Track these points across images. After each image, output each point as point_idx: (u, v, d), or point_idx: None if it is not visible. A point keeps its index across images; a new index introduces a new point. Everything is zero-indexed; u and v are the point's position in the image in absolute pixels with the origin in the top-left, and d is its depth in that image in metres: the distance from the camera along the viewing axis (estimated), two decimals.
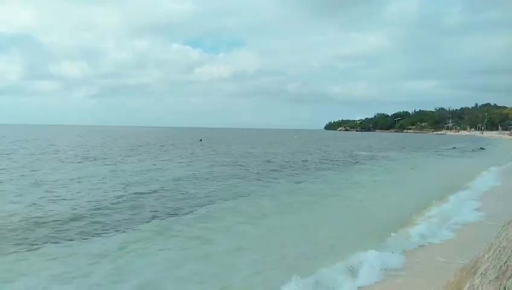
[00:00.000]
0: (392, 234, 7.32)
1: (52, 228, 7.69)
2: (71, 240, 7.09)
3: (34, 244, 6.72)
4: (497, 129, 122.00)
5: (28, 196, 10.77)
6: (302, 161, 25.19)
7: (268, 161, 24.15)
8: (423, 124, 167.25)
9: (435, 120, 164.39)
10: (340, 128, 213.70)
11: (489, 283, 2.73)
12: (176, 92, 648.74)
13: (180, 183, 13.98)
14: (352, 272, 5.53)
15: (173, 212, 9.44)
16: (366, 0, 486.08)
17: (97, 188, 12.57)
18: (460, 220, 8.59)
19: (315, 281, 5.08)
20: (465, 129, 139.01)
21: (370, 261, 5.68)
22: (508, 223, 4.09)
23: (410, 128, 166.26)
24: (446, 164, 25.46)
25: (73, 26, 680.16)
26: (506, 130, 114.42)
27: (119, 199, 10.64)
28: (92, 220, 8.44)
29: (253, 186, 13.90)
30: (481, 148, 42.68)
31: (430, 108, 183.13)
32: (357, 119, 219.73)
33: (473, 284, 3.14)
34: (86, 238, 7.20)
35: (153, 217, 8.89)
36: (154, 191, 12.09)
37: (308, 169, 20.22)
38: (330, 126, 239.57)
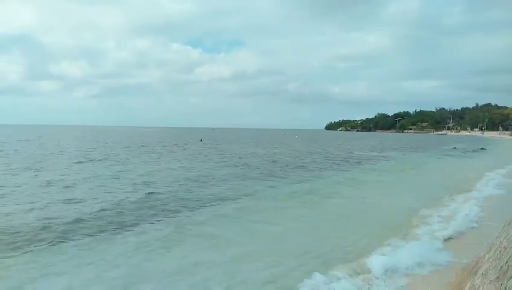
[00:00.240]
0: (403, 232, 7.32)
1: (66, 228, 7.69)
2: (82, 239, 7.11)
3: (50, 244, 6.75)
4: (497, 129, 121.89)
5: (40, 196, 10.75)
6: (304, 161, 25.16)
7: (271, 161, 24.12)
8: (424, 124, 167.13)
9: (435, 120, 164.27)
10: (340, 129, 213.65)
11: (490, 283, 2.73)
12: (176, 92, 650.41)
13: (188, 183, 14.02)
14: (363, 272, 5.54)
15: (185, 212, 9.49)
16: (366, 0, 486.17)
17: (107, 188, 12.61)
18: (462, 222, 8.57)
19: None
20: (465, 129, 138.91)
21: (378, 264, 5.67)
22: (509, 224, 4.09)
23: (411, 129, 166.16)
24: (447, 164, 25.42)
25: (74, 26, 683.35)
26: (506, 130, 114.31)
27: (131, 199, 10.67)
28: (106, 220, 8.45)
29: (259, 186, 13.90)
30: (482, 148, 42.63)
31: (431, 108, 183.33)
32: (357, 119, 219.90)
33: (473, 284, 3.14)
34: (101, 238, 7.21)
35: (166, 216, 8.97)
36: (165, 191, 12.15)
37: (310, 169, 20.20)
38: (331, 126, 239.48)
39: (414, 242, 6.97)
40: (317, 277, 5.24)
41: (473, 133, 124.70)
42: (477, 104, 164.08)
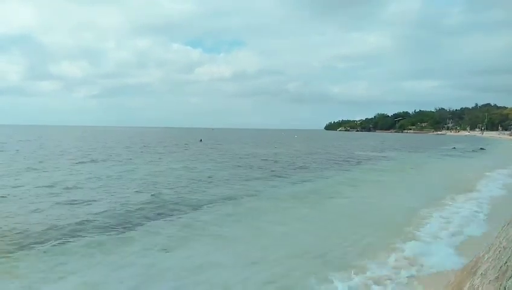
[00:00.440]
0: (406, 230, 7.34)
1: (72, 229, 7.74)
2: (89, 240, 7.15)
3: (57, 245, 6.80)
4: (497, 129, 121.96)
5: (45, 197, 10.76)
6: (305, 161, 25.21)
7: (273, 161, 24.19)
8: (423, 124, 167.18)
9: (435, 120, 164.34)
10: (340, 129, 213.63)
11: (489, 283, 2.76)
12: (176, 92, 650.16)
13: (191, 183, 14.10)
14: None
15: (189, 212, 9.56)
16: (366, 0, 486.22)
17: (112, 188, 12.64)
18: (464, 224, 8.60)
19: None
20: (465, 129, 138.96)
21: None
22: (508, 224, 4.11)
23: (411, 129, 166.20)
24: (447, 164, 25.46)
25: (74, 26, 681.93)
26: (506, 130, 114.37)
27: (136, 200, 10.72)
28: (111, 220, 8.50)
29: (261, 186, 13.95)
30: (481, 148, 42.69)
31: (430, 108, 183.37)
32: (357, 120, 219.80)
33: (473, 285, 3.16)
34: (108, 239, 7.24)
35: (170, 216, 9.05)
36: (169, 191, 12.26)
37: (311, 169, 20.26)
38: (330, 126, 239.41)
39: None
40: (317, 278, 5.27)
41: (472, 133, 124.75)
42: (476, 104, 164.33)
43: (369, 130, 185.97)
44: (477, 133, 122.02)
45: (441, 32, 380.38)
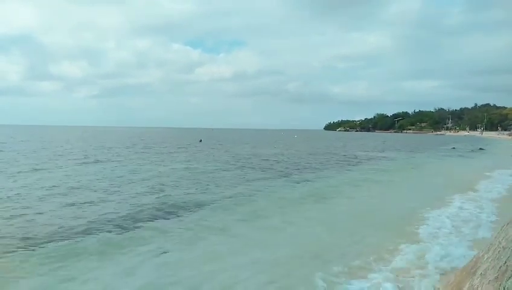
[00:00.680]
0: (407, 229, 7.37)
1: (80, 230, 7.77)
2: (99, 241, 7.17)
3: (67, 245, 6.82)
4: (496, 129, 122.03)
5: (52, 198, 10.73)
6: (306, 161, 25.23)
7: (274, 162, 24.22)
8: (423, 125, 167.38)
9: (434, 120, 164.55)
10: (339, 129, 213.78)
11: (488, 283, 2.78)
12: (176, 92, 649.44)
13: (195, 184, 14.18)
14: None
15: (197, 212, 9.65)
16: (366, 0, 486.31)
17: (118, 189, 12.66)
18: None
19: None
20: (464, 129, 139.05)
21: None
22: (507, 224, 4.14)
23: (410, 129, 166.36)
24: (447, 165, 25.48)
25: (74, 26, 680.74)
26: (505, 130, 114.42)
27: (144, 200, 10.76)
28: (120, 221, 8.53)
29: (263, 186, 14.00)
30: (480, 148, 42.73)
31: (430, 108, 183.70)
32: (356, 120, 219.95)
33: (472, 285, 3.19)
34: (118, 239, 7.28)
35: (180, 216, 9.14)
36: (174, 191, 12.37)
37: (312, 169, 20.28)
38: (330, 126, 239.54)
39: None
40: (319, 278, 5.29)
41: (471, 133, 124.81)
42: (476, 104, 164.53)
43: (368, 130, 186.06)
44: (476, 133, 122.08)
45: (441, 32, 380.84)
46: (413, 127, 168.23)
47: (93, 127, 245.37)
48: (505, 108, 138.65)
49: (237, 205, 10.54)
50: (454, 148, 44.51)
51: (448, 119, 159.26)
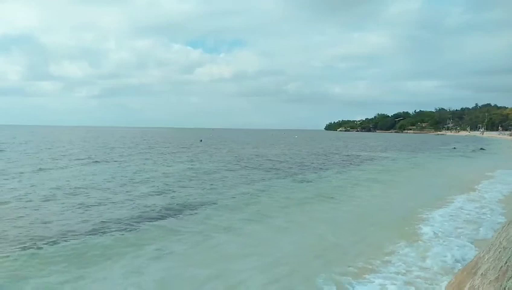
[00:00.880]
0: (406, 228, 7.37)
1: (89, 229, 7.84)
2: (107, 240, 7.23)
3: (68, 249, 6.79)
4: (497, 129, 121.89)
5: (62, 198, 10.77)
6: (306, 161, 25.25)
7: (273, 161, 24.25)
8: (423, 125, 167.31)
9: (435, 120, 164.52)
10: (340, 129, 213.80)
11: (489, 283, 2.78)
12: (176, 92, 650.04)
13: (199, 184, 14.31)
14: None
15: (197, 213, 9.70)
16: (367, 0, 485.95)
17: (128, 189, 12.68)
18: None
19: None
20: (465, 130, 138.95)
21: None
22: (508, 224, 4.14)
23: (411, 129, 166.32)
24: (449, 164, 25.47)
25: (74, 26, 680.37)
26: (506, 130, 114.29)
27: (152, 201, 10.81)
28: (128, 220, 8.60)
29: (264, 186, 14.02)
30: (481, 148, 42.71)
31: (431, 108, 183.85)
32: (357, 120, 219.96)
33: (473, 285, 3.18)
34: (127, 239, 7.34)
35: (172, 217, 9.16)
36: (179, 191, 12.54)
37: (313, 169, 20.32)
38: (330, 127, 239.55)
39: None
40: (320, 278, 5.30)
41: (472, 133, 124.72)
42: (476, 105, 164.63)
43: (369, 131, 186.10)
44: (477, 133, 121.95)
45: (442, 32, 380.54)
46: (413, 127, 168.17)
47: (93, 128, 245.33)
48: (505, 108, 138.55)
49: (242, 205, 10.60)
50: (455, 148, 44.50)
51: (449, 120, 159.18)
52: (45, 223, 8.19)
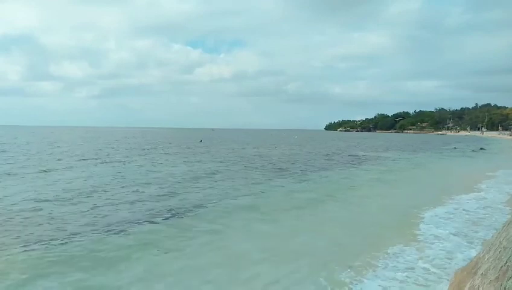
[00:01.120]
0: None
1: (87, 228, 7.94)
2: (115, 238, 7.37)
3: (42, 249, 6.84)
4: (497, 129, 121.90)
5: (68, 201, 10.76)
6: (307, 161, 25.28)
7: (274, 161, 24.29)
8: (423, 125, 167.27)
9: (435, 120, 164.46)
10: (340, 129, 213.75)
11: (489, 283, 2.77)
12: (176, 92, 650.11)
13: (198, 184, 14.38)
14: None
15: (219, 210, 9.88)
16: (367, 0, 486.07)
17: (136, 189, 12.79)
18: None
19: None
20: (465, 129, 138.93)
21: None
22: (508, 224, 4.14)
23: (411, 129, 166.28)
24: (449, 164, 25.52)
25: (74, 26, 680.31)
26: (506, 130, 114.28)
27: (165, 199, 11.06)
28: (143, 220, 8.69)
29: (265, 186, 14.14)
30: (481, 148, 42.73)
31: (431, 108, 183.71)
32: (357, 120, 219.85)
33: (473, 285, 3.18)
34: (129, 238, 7.41)
35: (204, 215, 9.43)
36: (195, 191, 12.71)
37: (314, 169, 20.35)
38: (330, 127, 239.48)
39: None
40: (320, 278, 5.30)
41: (472, 133, 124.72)
42: (476, 104, 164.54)
43: (369, 131, 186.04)
44: (477, 133, 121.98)
45: (442, 32, 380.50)
46: (414, 127, 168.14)
47: (93, 128, 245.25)
48: (505, 108, 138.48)
49: (251, 204, 10.73)
50: (455, 148, 44.54)
51: (449, 120, 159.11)
52: (56, 223, 8.24)
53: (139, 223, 8.38)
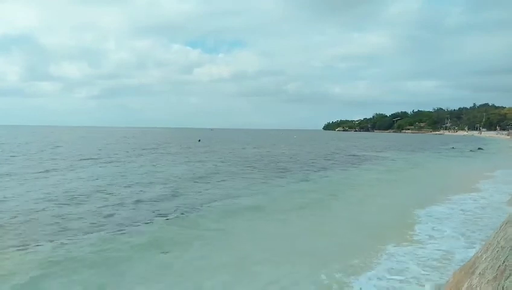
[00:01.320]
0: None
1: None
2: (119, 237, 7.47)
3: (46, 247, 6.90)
4: (495, 129, 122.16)
5: (68, 201, 10.79)
6: (306, 161, 25.37)
7: (274, 161, 24.38)
8: (421, 125, 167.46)
9: (433, 120, 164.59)
10: (338, 129, 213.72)
11: (487, 282, 2.84)
12: (176, 92, 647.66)
13: (199, 184, 14.47)
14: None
15: (194, 214, 9.82)
16: (367, 0, 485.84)
17: (144, 190, 12.85)
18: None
19: None
20: (463, 129, 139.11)
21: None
22: (506, 223, 4.21)
23: (409, 129, 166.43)
24: (447, 164, 25.63)
25: (74, 27, 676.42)
26: (504, 130, 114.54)
27: (170, 200, 11.15)
28: (149, 220, 8.81)
29: (266, 186, 14.24)
30: (479, 148, 42.87)
31: (429, 108, 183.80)
32: (355, 120, 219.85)
33: (471, 284, 3.25)
34: (131, 238, 7.45)
35: (208, 214, 9.53)
36: (198, 191, 12.79)
37: (313, 169, 20.45)
38: (329, 126, 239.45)
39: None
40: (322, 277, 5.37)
41: (470, 133, 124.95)
42: (474, 104, 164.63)
43: (367, 130, 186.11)
44: (475, 133, 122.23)
45: (441, 33, 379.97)
46: (412, 127, 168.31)
47: (93, 128, 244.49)
48: (503, 108, 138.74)
49: (253, 204, 10.81)
50: (453, 148, 44.66)
51: (447, 119, 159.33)
52: (59, 223, 8.30)
53: (141, 223, 8.46)
